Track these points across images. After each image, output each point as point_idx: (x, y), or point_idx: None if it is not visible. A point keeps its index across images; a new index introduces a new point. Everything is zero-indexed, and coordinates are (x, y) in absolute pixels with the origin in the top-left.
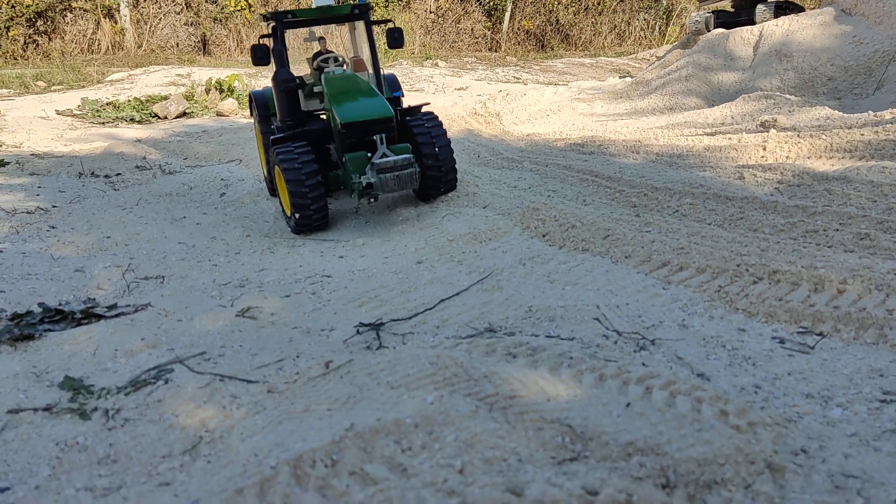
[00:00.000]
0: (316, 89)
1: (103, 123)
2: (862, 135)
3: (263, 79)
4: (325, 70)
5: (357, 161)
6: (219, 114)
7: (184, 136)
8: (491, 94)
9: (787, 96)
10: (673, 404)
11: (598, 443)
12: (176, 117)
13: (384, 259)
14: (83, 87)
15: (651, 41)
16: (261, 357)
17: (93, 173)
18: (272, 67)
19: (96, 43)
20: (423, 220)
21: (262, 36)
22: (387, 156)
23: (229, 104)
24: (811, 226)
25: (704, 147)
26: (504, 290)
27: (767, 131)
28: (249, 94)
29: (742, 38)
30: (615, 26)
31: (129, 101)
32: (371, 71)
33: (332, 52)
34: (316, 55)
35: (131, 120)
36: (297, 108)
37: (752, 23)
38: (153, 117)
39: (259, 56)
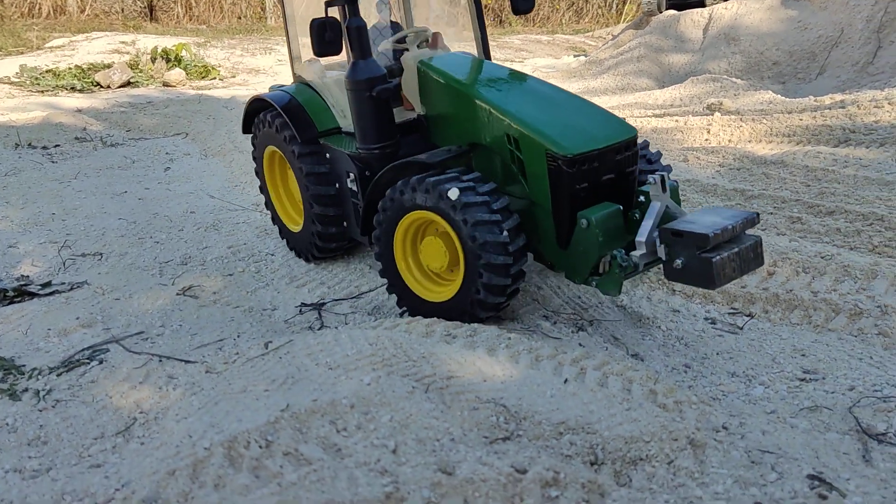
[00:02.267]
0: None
1: (42, 92)
2: (801, 120)
3: (214, 48)
4: (414, 55)
5: (609, 222)
6: (165, 84)
7: (127, 107)
8: None
9: (734, 80)
10: (605, 384)
11: (532, 422)
12: (120, 87)
13: None
14: (22, 53)
15: (608, 19)
16: (201, 337)
17: (30, 144)
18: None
19: (37, 7)
20: None
21: (328, 4)
22: (670, 210)
23: (176, 74)
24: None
25: (652, 129)
26: None
27: (713, 114)
28: (259, 101)
29: (692, 21)
30: (573, 3)
31: (71, 68)
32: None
33: (396, 23)
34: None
35: (72, 89)
36: (392, 123)
37: (703, 5)
38: (95, 86)
39: (328, 39)
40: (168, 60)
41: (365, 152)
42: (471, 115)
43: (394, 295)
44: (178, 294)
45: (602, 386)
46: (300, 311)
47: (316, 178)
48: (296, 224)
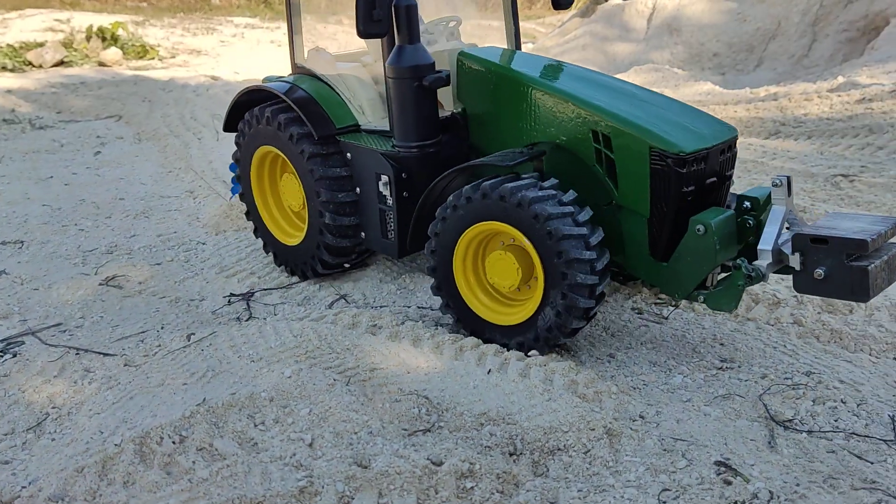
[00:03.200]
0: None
1: None
2: (735, 112)
3: (153, 27)
4: (452, 47)
5: (726, 228)
6: (101, 64)
7: (59, 88)
8: None
9: (675, 70)
10: (527, 375)
11: (454, 413)
12: (53, 66)
13: None
14: None
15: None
16: (122, 329)
17: None
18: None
19: None
20: None
21: None
22: (792, 217)
23: (112, 54)
24: None
25: None
26: (379, 263)
27: None
28: (255, 93)
29: (637, 11)
30: None
31: (2, 47)
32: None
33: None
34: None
35: (3, 68)
36: (437, 119)
37: None
38: (27, 66)
39: (376, 17)
40: (104, 39)
41: (405, 151)
42: (537, 111)
43: (324, 283)
44: (100, 284)
45: (524, 377)
46: (229, 301)
47: (331, 182)
48: (289, 236)
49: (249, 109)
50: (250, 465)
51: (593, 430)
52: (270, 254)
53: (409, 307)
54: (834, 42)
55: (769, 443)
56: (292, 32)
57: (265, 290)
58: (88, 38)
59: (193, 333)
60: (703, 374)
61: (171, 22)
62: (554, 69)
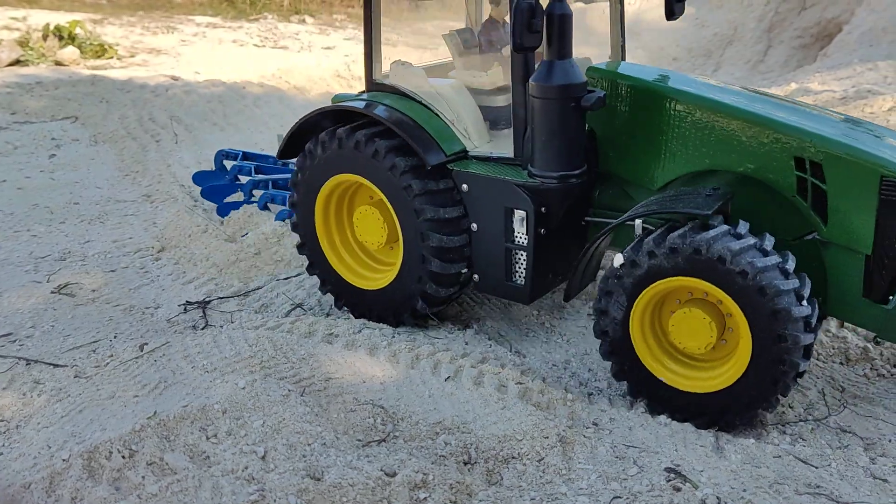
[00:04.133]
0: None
1: None
2: None
3: (112, 26)
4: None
5: None
6: (57, 63)
7: (14, 88)
8: (356, 56)
9: None
10: (481, 383)
11: (409, 423)
12: (7, 66)
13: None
14: None
15: (400, 4)
16: (74, 338)
17: None
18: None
19: None
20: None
21: None
22: None
23: (69, 53)
24: None
25: None
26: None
27: None
28: (336, 114)
29: (598, 15)
30: None
31: None
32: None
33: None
34: (487, 27)
35: None
36: (584, 146)
37: None
38: None
39: (536, 28)
40: (61, 38)
41: (548, 182)
42: (711, 136)
43: (281, 291)
44: (52, 292)
45: (478, 385)
46: (184, 309)
47: (443, 224)
48: (363, 279)
49: (320, 130)
50: (201, 479)
51: (547, 438)
52: (328, 293)
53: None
54: (788, 48)
55: (718, 449)
56: (371, 42)
57: (222, 298)
58: (45, 37)
59: (147, 343)
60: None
61: (131, 20)
62: (720, 89)
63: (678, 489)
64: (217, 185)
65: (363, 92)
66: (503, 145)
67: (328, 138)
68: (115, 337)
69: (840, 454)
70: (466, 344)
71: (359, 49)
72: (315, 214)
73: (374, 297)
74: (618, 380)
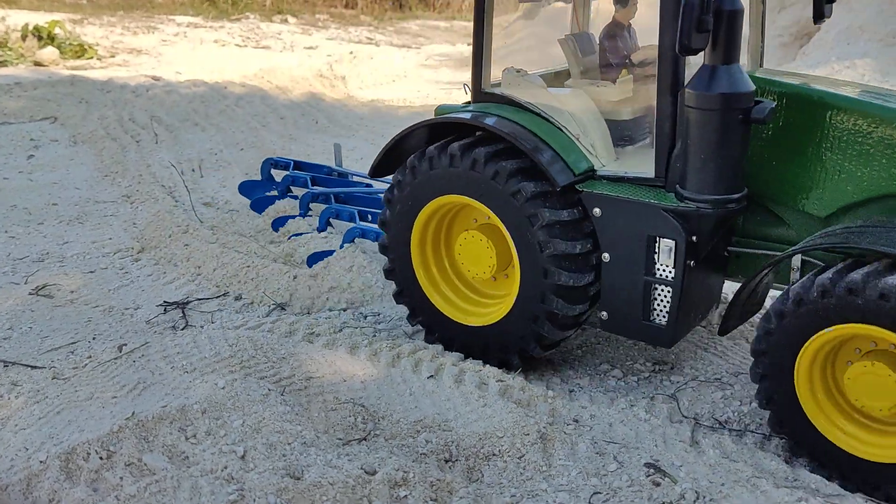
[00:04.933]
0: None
1: None
2: None
3: (92, 26)
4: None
5: None
6: (37, 63)
7: None
8: (339, 56)
9: None
10: (462, 381)
11: (390, 421)
12: None
13: None
14: None
15: (508, 5)
16: (52, 340)
17: None
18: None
19: None
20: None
21: None
22: None
23: (49, 53)
24: None
25: None
26: (319, 274)
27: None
28: (442, 128)
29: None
30: None
31: None
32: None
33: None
34: (610, 31)
35: None
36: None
37: None
38: None
39: (706, 27)
40: (40, 38)
41: (704, 207)
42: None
43: (262, 291)
44: (30, 294)
45: (459, 383)
46: (164, 309)
47: (569, 260)
48: (466, 314)
49: (418, 145)
50: (180, 479)
51: (527, 434)
52: (418, 325)
53: (344, 309)
54: (769, 47)
55: (695, 444)
56: (482, 47)
57: (201, 299)
58: (24, 37)
59: (125, 344)
60: (636, 376)
61: (111, 20)
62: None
63: (657, 484)
64: (267, 198)
65: (468, 103)
66: (633, 163)
67: (437, 154)
68: (93, 338)
69: None
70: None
71: (341, 49)
72: (411, 237)
73: (477, 335)
74: (795, 453)
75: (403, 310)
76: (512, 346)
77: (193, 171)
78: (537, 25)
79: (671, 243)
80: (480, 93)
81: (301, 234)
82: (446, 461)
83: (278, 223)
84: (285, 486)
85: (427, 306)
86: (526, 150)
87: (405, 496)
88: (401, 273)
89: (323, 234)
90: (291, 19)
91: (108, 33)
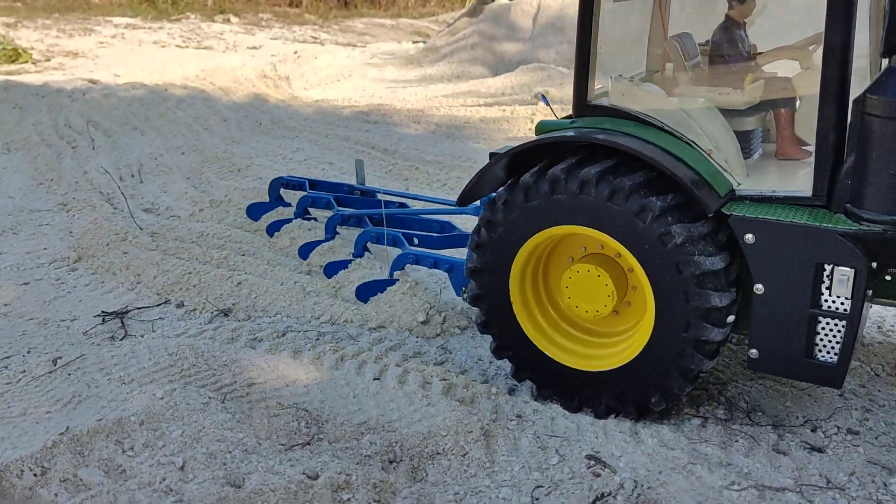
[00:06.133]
0: None
1: None
2: None
3: (27, 29)
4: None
5: None
6: None
7: None
8: (283, 56)
9: (561, 68)
10: (406, 381)
11: (334, 424)
12: None
13: None
14: None
15: (454, 3)
16: None
17: None
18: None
19: None
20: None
21: None
22: None
23: None
24: None
25: (480, 118)
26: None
27: (538, 104)
28: (542, 148)
29: (522, 10)
30: None
31: None
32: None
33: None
34: (725, 31)
35: None
36: None
37: None
38: None
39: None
40: None
41: (891, 230)
42: None
43: (204, 298)
44: None
45: (403, 383)
46: (102, 320)
47: (713, 279)
48: (578, 357)
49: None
50: (116, 493)
51: (471, 432)
52: (509, 366)
53: (289, 316)
54: None
55: (636, 434)
56: (588, 53)
57: (141, 308)
58: None
59: (60, 357)
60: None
61: (46, 23)
62: None
63: (598, 475)
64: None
65: (571, 118)
66: (772, 180)
67: (534, 181)
68: (28, 352)
69: (749, 431)
70: (392, 343)
71: (285, 48)
72: (510, 282)
73: (604, 380)
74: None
75: (353, 311)
76: (652, 386)
77: (133, 176)
78: (482, 23)
79: (848, 272)
80: (585, 105)
81: (341, 262)
82: (390, 462)
83: (274, 228)
84: (225, 495)
85: (537, 358)
86: (670, 171)
87: (348, 499)
88: (501, 325)
89: (358, 259)
90: (234, 19)
91: (43, 36)
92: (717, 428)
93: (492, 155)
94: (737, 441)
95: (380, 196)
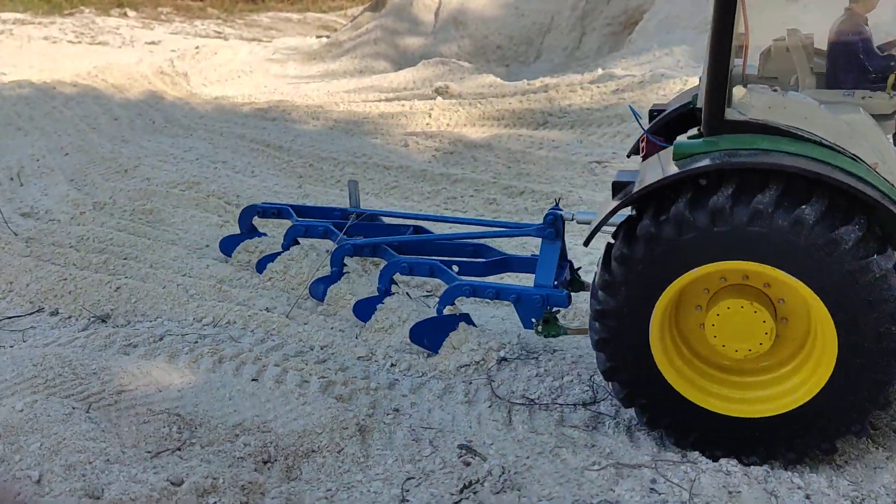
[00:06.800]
0: None
1: None
2: (510, 104)
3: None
4: None
5: None
6: None
7: None
8: (182, 52)
9: (462, 63)
10: (283, 381)
11: (207, 428)
12: None
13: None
14: None
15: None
16: None
17: None
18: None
19: None
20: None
21: None
22: None
23: None
24: (452, 192)
25: (379, 114)
26: (135, 280)
27: (436, 99)
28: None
29: (424, 5)
30: None
31: None
32: None
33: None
34: (848, 27)
35: None
36: None
37: None
38: None
39: None
40: None
41: None
42: None
43: (81, 304)
44: None
45: (280, 383)
46: None
47: None
48: (752, 405)
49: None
50: None
51: (346, 428)
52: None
53: (170, 320)
54: (600, 35)
55: (508, 422)
56: (727, 60)
57: (11, 317)
58: None
59: None
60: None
61: None
62: None
63: (468, 464)
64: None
65: (701, 135)
66: None
67: (689, 211)
68: None
69: (613, 413)
70: (274, 343)
71: (186, 43)
72: (652, 323)
73: (776, 425)
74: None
75: (236, 313)
76: (837, 428)
77: (12, 179)
78: (385, 17)
79: None
80: (723, 121)
81: (371, 299)
82: (264, 462)
83: (264, 263)
84: None
85: (680, 406)
86: (868, 194)
87: (214, 503)
88: (633, 371)
89: (390, 297)
90: (131, 13)
91: None
92: (586, 413)
93: (617, 184)
94: (603, 424)
95: (386, 220)
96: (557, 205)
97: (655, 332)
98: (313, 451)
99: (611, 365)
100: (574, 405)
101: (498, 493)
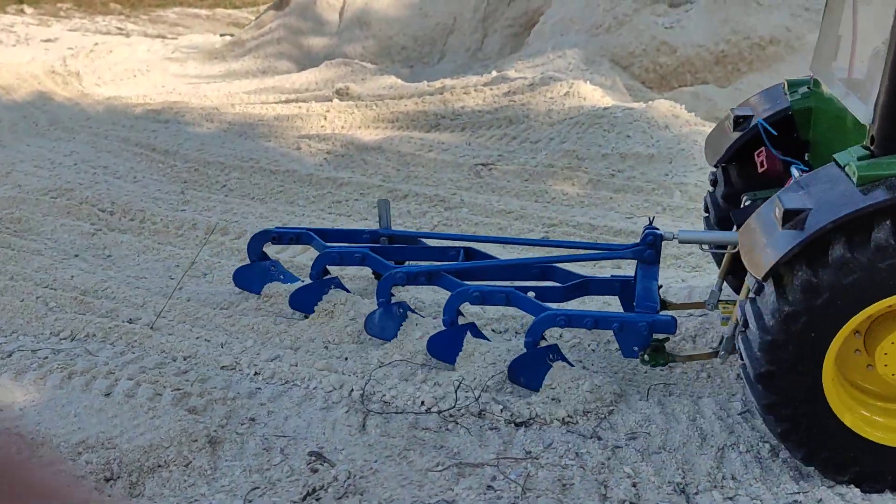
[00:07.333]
0: None
1: None
2: (406, 106)
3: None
4: None
5: None
6: None
7: None
8: (79, 49)
9: (365, 63)
10: (135, 395)
11: (48, 447)
12: None
13: None
14: None
15: None
16: None
17: None
18: None
19: None
20: None
21: None
22: None
23: None
24: (338, 196)
25: (275, 116)
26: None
27: (332, 101)
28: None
29: (328, 4)
30: None
31: None
32: None
33: None
34: None
35: None
36: None
37: None
38: None
39: None
40: None
41: None
42: None
43: None
44: None
45: (131, 397)
46: None
47: None
48: None
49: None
50: None
51: (195, 441)
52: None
53: (24, 335)
54: (501, 37)
55: (362, 427)
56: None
57: None
58: None
59: None
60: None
61: None
62: None
63: (315, 471)
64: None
65: (872, 154)
66: None
67: (893, 239)
68: None
69: (468, 412)
70: (133, 356)
71: (85, 41)
72: (825, 362)
73: None
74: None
75: (125, 316)
76: None
77: None
78: (288, 16)
79: None
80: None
81: (444, 336)
82: (107, 480)
83: (309, 302)
84: None
85: (871, 455)
86: None
87: None
88: (809, 425)
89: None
90: (28, 9)
91: None
92: (435, 417)
93: (788, 213)
94: (455, 423)
95: (428, 242)
96: (652, 223)
97: (830, 380)
98: (159, 465)
99: (788, 426)
100: (427, 410)
101: (340, 497)
